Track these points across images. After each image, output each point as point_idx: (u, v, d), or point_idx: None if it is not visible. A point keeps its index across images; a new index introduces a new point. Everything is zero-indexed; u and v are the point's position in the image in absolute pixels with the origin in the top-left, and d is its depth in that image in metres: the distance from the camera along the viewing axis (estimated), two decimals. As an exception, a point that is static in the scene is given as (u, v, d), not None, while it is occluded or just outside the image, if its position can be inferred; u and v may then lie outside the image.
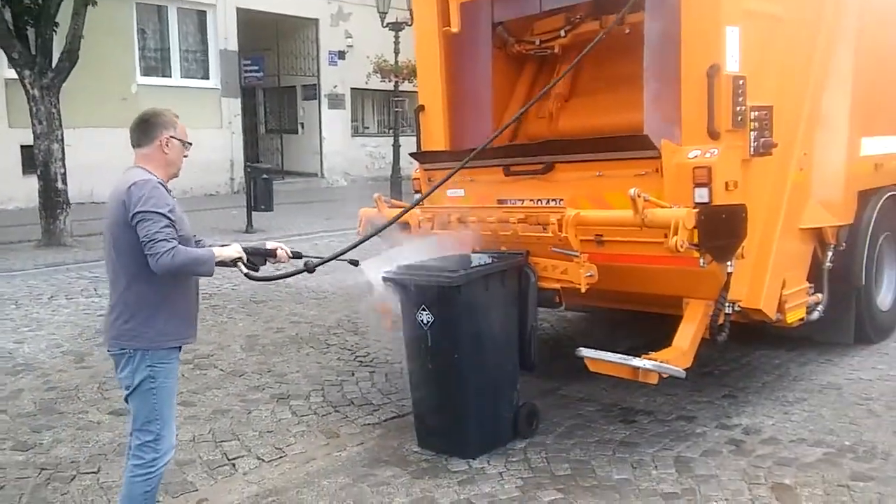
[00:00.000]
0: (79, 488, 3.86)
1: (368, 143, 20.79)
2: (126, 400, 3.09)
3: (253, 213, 11.94)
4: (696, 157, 4.13)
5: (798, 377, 5.15)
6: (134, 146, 3.09)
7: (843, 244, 5.28)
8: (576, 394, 4.95)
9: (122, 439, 4.34)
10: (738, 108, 4.14)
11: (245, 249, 3.17)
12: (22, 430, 4.60)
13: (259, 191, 11.85)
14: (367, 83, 19.07)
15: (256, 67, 18.18)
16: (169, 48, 16.58)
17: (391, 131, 18.43)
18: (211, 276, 3.11)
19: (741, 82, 4.15)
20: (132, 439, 3.08)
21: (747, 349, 5.59)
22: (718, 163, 4.07)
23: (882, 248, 5.96)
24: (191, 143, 3.19)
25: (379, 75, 18.17)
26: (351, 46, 19.39)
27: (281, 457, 4.22)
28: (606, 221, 4.18)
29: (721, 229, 3.95)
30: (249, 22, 17.61)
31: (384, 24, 16.76)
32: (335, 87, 19.48)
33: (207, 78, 17.20)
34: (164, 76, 16.48)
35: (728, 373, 5.26)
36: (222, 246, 3.19)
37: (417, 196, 5.44)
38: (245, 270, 3.15)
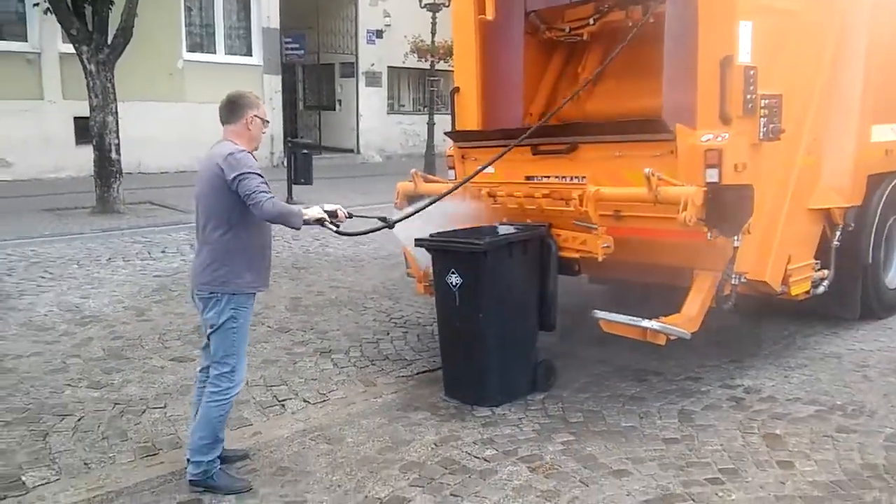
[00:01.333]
0: (149, 420, 4.41)
1: (404, 120, 21.20)
2: (208, 337, 3.63)
3: (293, 186, 12.46)
4: (708, 140, 4.50)
5: (803, 346, 5.53)
6: (223, 123, 3.63)
7: (852, 225, 5.61)
8: (593, 356, 5.38)
9: (184, 381, 4.91)
10: (748, 97, 4.50)
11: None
12: (94, 371, 5.17)
13: (299, 165, 12.35)
14: (404, 62, 19.47)
15: (297, 45, 18.66)
16: (214, 26, 17.13)
17: (426, 109, 18.83)
18: (298, 229, 3.71)
19: (752, 72, 4.50)
20: (211, 370, 3.63)
21: (758, 321, 5.96)
22: (728, 146, 4.44)
23: (891, 229, 6.28)
24: (269, 122, 3.76)
25: (416, 55, 18.56)
26: (389, 26, 19.78)
27: (324, 400, 4.73)
28: (623, 198, 4.58)
29: (728, 207, 4.32)
30: (291, 1, 18.09)
31: (422, 5, 17.11)
32: (372, 65, 19.91)
33: (250, 55, 17.74)
34: (208, 52, 17.05)
35: (737, 340, 5.64)
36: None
37: (456, 174, 5.93)
38: (334, 228, 3.78)
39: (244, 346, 3.67)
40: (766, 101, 4.61)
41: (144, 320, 6.34)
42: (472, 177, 5.07)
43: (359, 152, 20.12)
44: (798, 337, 5.76)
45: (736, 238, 4.44)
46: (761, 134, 4.61)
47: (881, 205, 5.90)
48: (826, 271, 5.42)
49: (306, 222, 3.61)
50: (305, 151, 12.64)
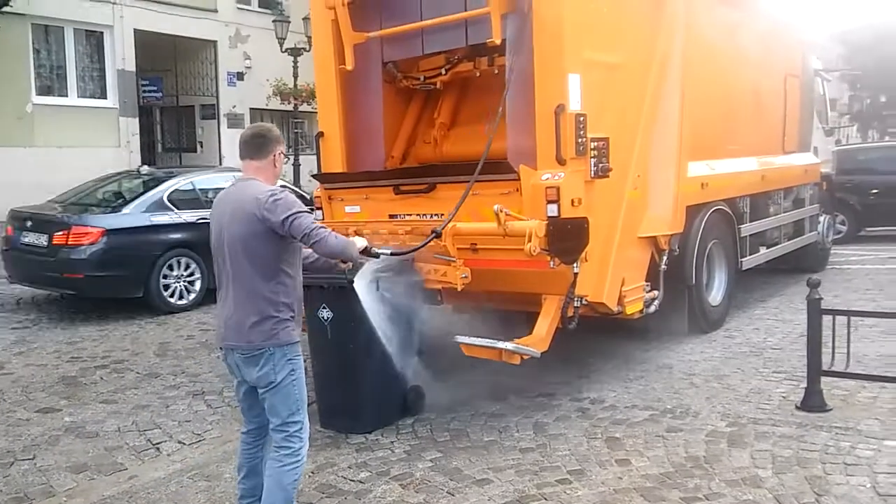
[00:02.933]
0: (18, 471, 4.37)
1: (268, 161, 21.23)
2: (248, 396, 3.40)
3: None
4: (547, 179, 5.06)
5: (641, 360, 6.18)
6: (247, 158, 3.36)
7: (677, 249, 6.37)
8: (461, 378, 5.77)
9: (51, 433, 4.88)
10: (579, 140, 5.11)
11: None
12: (-47, 429, 5.02)
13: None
14: (266, 104, 19.54)
15: (154, 87, 18.32)
16: (65, 68, 16.55)
17: (291, 150, 18.94)
18: (356, 262, 3.67)
19: (582, 119, 5.12)
20: (275, 434, 3.29)
21: (603, 339, 6.59)
22: (565, 184, 5.01)
23: (712, 252, 7.15)
24: (288, 158, 3.73)
25: (279, 98, 18.71)
26: (250, 68, 19.82)
27: (200, 440, 4.84)
28: (477, 232, 5.05)
29: (567, 237, 4.89)
30: (147, 43, 17.77)
31: (283, 49, 17.35)
32: (234, 107, 19.82)
33: (105, 97, 17.22)
34: (60, 95, 16.42)
35: (585, 358, 6.22)
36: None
37: (323, 214, 6.21)
38: (379, 253, 3.82)
39: (305, 398, 3.38)
40: (595, 144, 5.23)
41: (4, 374, 6.16)
42: (451, 216, 5.02)
43: (223, 194, 19.89)
44: (637, 352, 6.42)
45: (575, 265, 5.00)
46: (592, 172, 5.22)
47: (700, 232, 6.72)
48: (656, 292, 6.10)
49: (361, 252, 3.49)
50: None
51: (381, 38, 6.21)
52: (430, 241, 4.84)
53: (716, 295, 7.29)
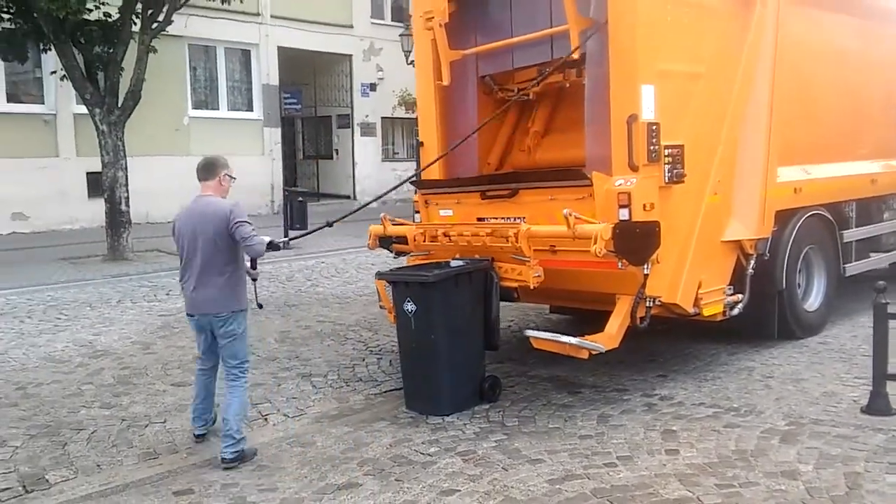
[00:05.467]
0: (151, 432, 5.21)
1: (398, 167, 22.23)
2: (209, 345, 4.83)
3: (290, 231, 13.36)
4: (620, 185, 5.34)
5: (723, 362, 6.28)
6: (202, 180, 4.78)
7: (767, 254, 6.41)
8: (541, 373, 6.16)
9: (181, 402, 5.71)
10: (651, 148, 5.35)
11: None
12: (105, 395, 5.98)
13: (295, 212, 13.30)
14: (392, 113, 20.62)
15: (295, 100, 19.81)
16: (217, 83, 18.30)
17: (413, 156, 19.89)
18: (261, 255, 4.89)
19: (654, 128, 5.36)
20: (229, 369, 4.72)
21: (690, 341, 6.73)
22: (636, 189, 5.27)
23: (809, 257, 7.09)
24: (235, 178, 4.84)
25: (403, 107, 19.71)
26: (382, 79, 20.95)
27: (302, 414, 5.52)
28: (549, 234, 5.42)
29: (635, 240, 5.15)
30: (289, 58, 19.27)
31: (408, 62, 18.22)
32: (367, 116, 21.02)
33: (251, 110, 18.87)
34: (212, 109, 18.17)
35: (668, 358, 6.41)
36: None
37: (421, 217, 6.80)
38: (278, 244, 5.04)
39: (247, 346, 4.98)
40: (670, 151, 5.45)
41: (149, 353, 7.17)
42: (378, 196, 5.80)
43: (355, 198, 21.11)
44: (724, 354, 6.51)
45: (646, 266, 5.25)
46: (666, 178, 5.45)
47: (793, 236, 6.70)
48: (740, 295, 6.18)
49: (267, 247, 4.79)
50: (301, 199, 13.59)
51: (476, 55, 6.71)
52: (321, 228, 6.01)
53: (813, 301, 7.20)
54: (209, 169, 4.75)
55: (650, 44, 5.42)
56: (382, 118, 21.49)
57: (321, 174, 22.32)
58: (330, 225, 6.01)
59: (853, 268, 7.61)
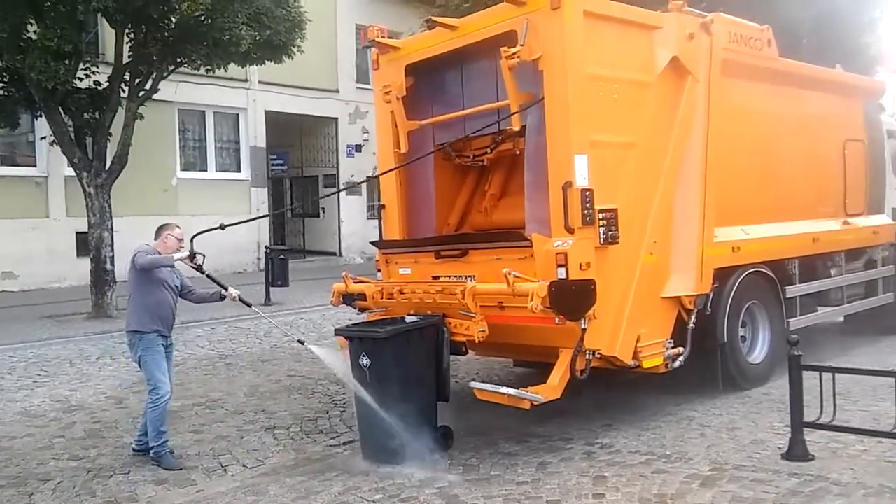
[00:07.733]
0: (115, 482, 5.48)
1: (384, 225, 22.81)
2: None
3: (271, 288, 13.73)
4: (557, 245, 5.75)
5: (668, 412, 6.59)
6: (154, 239, 6.00)
7: (709, 309, 6.79)
8: (492, 423, 6.45)
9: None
10: (585, 212, 5.76)
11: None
12: (75, 447, 6.26)
13: (276, 269, 13.70)
14: (373, 171, 21.16)
15: (282, 161, 20.44)
16: (206, 145, 18.92)
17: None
18: (172, 266, 5.93)
19: (588, 193, 5.78)
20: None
21: (642, 392, 7.04)
22: (572, 250, 5.67)
23: (753, 312, 7.46)
24: (181, 238, 5.99)
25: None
26: (367, 140, 21.61)
27: (260, 465, 5.80)
28: (493, 292, 5.80)
29: (571, 297, 5.53)
30: (277, 121, 19.96)
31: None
32: (352, 175, 21.61)
33: (239, 171, 19.45)
34: (200, 170, 18.74)
35: (618, 409, 6.70)
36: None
37: (382, 276, 7.19)
38: (195, 265, 5.97)
39: (158, 371, 5.93)
40: (604, 215, 5.86)
41: (121, 407, 7.46)
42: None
43: (341, 255, 21.56)
44: (670, 405, 6.82)
45: (583, 321, 5.62)
46: (601, 239, 5.85)
47: (733, 292, 7.08)
48: (681, 348, 6.53)
49: (179, 259, 5.86)
50: (282, 257, 14.00)
51: (433, 124, 7.20)
52: (214, 230, 6.39)
53: (758, 354, 7.54)
54: (157, 232, 6.07)
55: (582, 117, 5.89)
56: (368, 177, 22.07)
57: (308, 232, 22.83)
58: (223, 227, 6.49)
59: (798, 322, 7.96)
